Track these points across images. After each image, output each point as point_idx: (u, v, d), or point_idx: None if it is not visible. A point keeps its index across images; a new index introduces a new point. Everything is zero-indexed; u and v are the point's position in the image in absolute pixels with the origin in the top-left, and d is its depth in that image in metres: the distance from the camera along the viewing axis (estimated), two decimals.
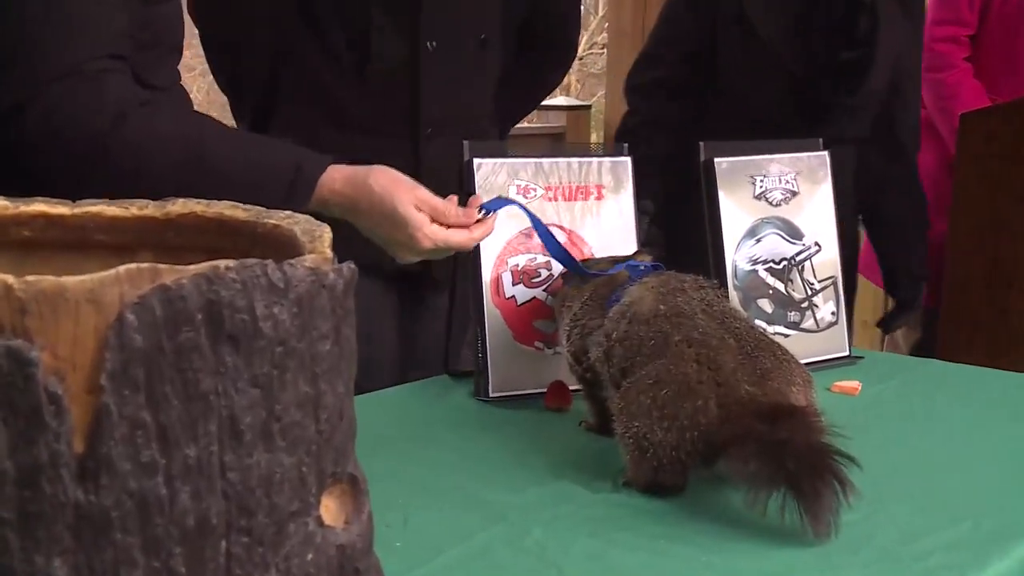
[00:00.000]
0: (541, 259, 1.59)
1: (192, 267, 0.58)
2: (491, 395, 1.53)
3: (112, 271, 0.56)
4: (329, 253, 0.68)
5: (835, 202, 2.23)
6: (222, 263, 0.59)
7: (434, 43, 1.67)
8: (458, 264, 1.65)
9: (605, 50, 6.81)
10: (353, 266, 0.66)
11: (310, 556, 0.64)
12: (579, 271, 1.46)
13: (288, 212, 0.74)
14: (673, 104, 2.29)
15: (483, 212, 1.43)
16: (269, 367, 0.60)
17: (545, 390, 1.53)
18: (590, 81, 10.71)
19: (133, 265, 0.57)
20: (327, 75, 1.67)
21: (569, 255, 1.48)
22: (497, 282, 1.56)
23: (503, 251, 1.57)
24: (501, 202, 1.49)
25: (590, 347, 1.36)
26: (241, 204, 0.77)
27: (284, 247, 0.72)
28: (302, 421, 0.63)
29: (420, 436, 1.40)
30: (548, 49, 2.03)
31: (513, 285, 1.57)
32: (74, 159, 1.26)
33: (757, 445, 1.11)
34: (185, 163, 1.29)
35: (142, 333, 0.56)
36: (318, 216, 0.75)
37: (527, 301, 1.58)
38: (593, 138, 5.31)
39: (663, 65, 2.32)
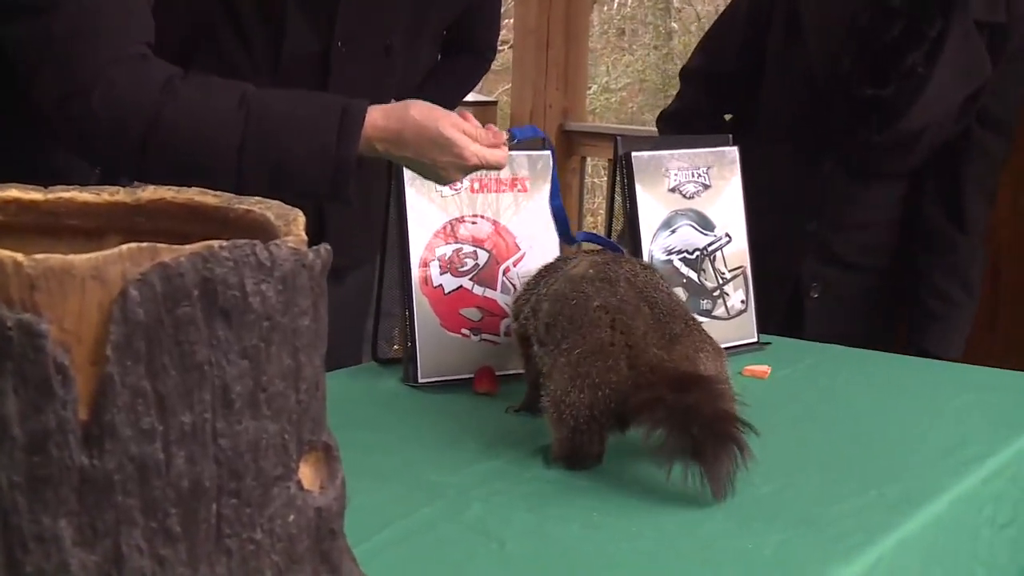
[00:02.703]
0: (468, 249, 1.64)
1: (188, 246, 0.62)
2: (420, 381, 1.58)
3: (115, 250, 0.60)
4: (304, 236, 0.72)
5: (858, 240, 2.18)
6: (216, 243, 0.63)
7: (343, 44, 1.71)
8: (384, 254, 1.69)
9: (507, 47, 6.88)
10: (328, 247, 0.71)
11: (292, 517, 0.68)
12: (568, 239, 1.51)
13: (259, 198, 0.79)
14: (716, 96, 2.30)
15: (512, 138, 1.51)
16: (257, 340, 0.65)
17: (472, 375, 1.59)
18: (491, 77, 10.77)
19: (134, 244, 0.60)
20: (240, 64, 1.69)
21: (565, 215, 1.54)
22: (425, 271, 1.61)
23: (431, 241, 1.62)
24: (528, 131, 1.58)
25: (528, 304, 1.44)
26: (211, 191, 0.80)
27: (256, 232, 0.76)
28: (284, 391, 0.67)
29: (355, 420, 1.44)
30: (471, 51, 2.08)
31: (440, 274, 1.62)
32: (132, 133, 1.34)
33: (666, 411, 1.19)
34: (235, 122, 1.36)
35: (144, 307, 0.60)
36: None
37: (454, 289, 1.63)
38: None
39: (714, 55, 2.32)
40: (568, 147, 4.72)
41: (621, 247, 1.52)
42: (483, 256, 1.65)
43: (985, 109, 2.13)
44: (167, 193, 0.81)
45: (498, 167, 1.49)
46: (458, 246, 1.64)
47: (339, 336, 1.82)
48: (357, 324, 2.03)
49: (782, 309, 2.19)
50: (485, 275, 1.65)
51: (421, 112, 1.42)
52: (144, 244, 0.61)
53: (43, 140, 1.43)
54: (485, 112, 4.84)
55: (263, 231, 0.75)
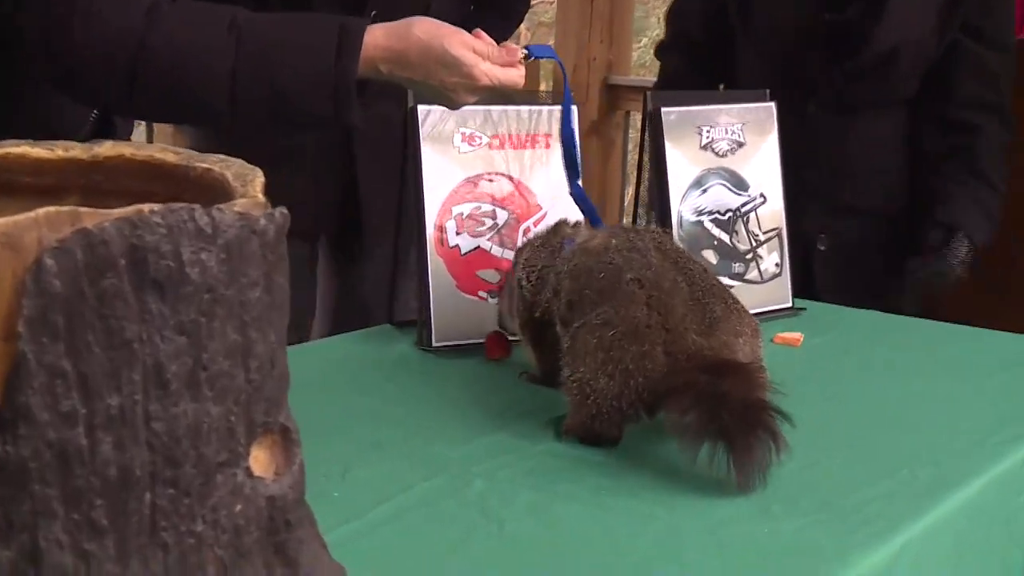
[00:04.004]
0: (486, 207, 1.57)
1: (115, 211, 0.56)
2: (434, 345, 1.52)
3: (30, 214, 0.54)
4: (261, 198, 0.66)
5: (859, 181, 2.09)
6: (147, 207, 0.57)
7: (375, 12, 1.63)
8: (401, 213, 1.63)
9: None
10: (285, 211, 0.65)
11: (239, 507, 0.62)
12: (575, 171, 1.43)
13: (221, 156, 0.72)
14: (696, 62, 2.25)
15: (527, 55, 1.40)
16: (196, 314, 0.59)
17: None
18: (540, 30, 10.63)
19: (52, 208, 0.54)
20: None
21: (575, 145, 1.45)
22: (441, 231, 1.54)
23: (447, 199, 1.55)
24: (546, 50, 1.46)
25: (544, 289, 1.33)
26: (171, 148, 0.74)
27: (215, 192, 0.70)
28: (230, 370, 0.61)
29: (362, 387, 1.39)
30: (502, 5, 1.99)
31: (457, 234, 1.55)
32: (118, 63, 1.27)
33: (696, 396, 1.11)
34: (226, 46, 1.28)
35: (61, 279, 0.54)
36: (254, 160, 0.73)
37: (471, 250, 1.56)
38: (543, 87, 5.27)
39: (682, 27, 2.29)
40: (612, 101, 4.61)
41: (601, 221, 1.42)
42: (502, 216, 1.58)
43: (974, 26, 2.05)
44: (126, 149, 0.75)
45: (513, 87, 1.37)
46: (476, 205, 1.57)
47: (373, 297, 1.78)
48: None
49: (793, 267, 2.11)
50: (504, 235, 1.58)
51: (426, 30, 1.32)
52: (64, 208, 0.55)
53: (33, 89, 1.37)
54: (528, 66, 4.71)
55: (223, 191, 0.69)
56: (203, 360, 0.59)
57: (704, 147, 1.73)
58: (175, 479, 0.59)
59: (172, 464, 0.59)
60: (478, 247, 1.57)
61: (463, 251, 1.56)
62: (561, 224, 1.40)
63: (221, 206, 0.60)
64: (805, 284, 2.02)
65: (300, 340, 1.75)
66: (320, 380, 1.40)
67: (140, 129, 4.38)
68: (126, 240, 0.56)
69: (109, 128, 1.47)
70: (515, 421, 1.27)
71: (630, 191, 4.95)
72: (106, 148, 0.75)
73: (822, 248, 2.12)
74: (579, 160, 1.46)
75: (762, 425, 1.08)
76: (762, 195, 1.79)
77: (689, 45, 2.28)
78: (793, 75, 2.08)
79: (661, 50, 2.36)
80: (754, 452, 1.07)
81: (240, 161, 0.71)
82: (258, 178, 0.68)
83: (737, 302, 1.25)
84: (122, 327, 0.56)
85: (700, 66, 2.26)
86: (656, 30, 11.30)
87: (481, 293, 1.56)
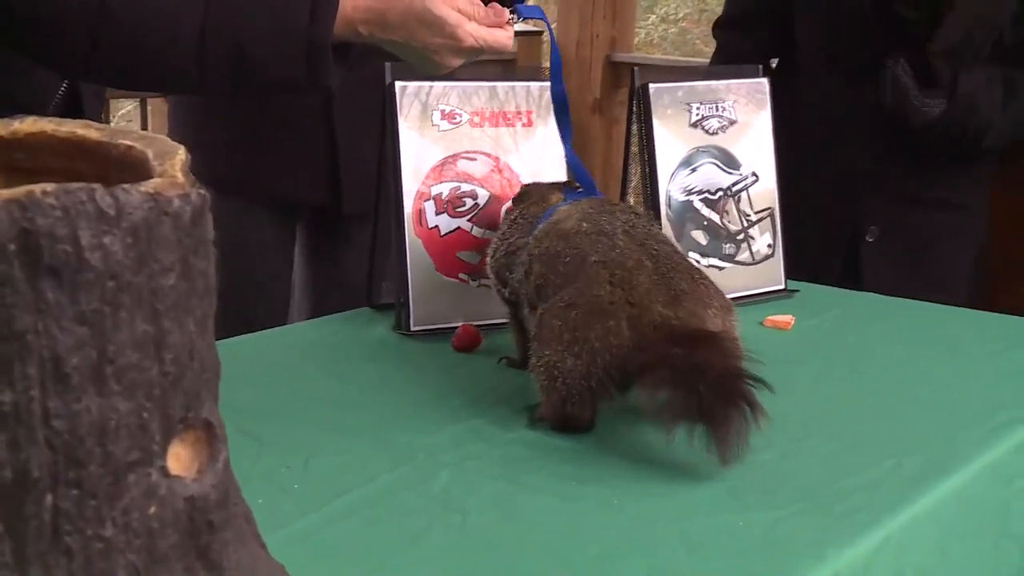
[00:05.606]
0: (466, 187, 1.53)
1: (3, 191, 0.52)
2: (412, 329, 1.48)
3: None
4: (180, 177, 0.61)
5: (916, 169, 2.00)
6: (39, 187, 0.52)
7: None
8: (380, 193, 1.58)
9: None
10: (203, 192, 0.60)
11: (153, 509, 0.58)
12: (566, 127, 1.38)
13: (144, 132, 0.68)
14: (754, 38, 2.19)
15: (516, 16, 1.35)
16: (99, 303, 0.54)
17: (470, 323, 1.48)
18: (551, 8, 10.54)
19: None
20: None
21: (566, 100, 1.39)
22: (419, 211, 1.50)
23: (426, 178, 1.50)
24: (534, 11, 1.40)
25: (515, 267, 1.31)
26: (95, 123, 0.70)
27: (138, 170, 0.65)
28: (141, 363, 0.57)
29: (335, 372, 1.35)
30: None
31: (436, 214, 1.51)
32: (81, 28, 1.21)
33: (670, 370, 1.07)
34: (192, 7, 1.22)
35: None
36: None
37: (451, 231, 1.52)
38: (545, 65, 5.22)
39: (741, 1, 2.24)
40: (615, 79, 4.56)
41: (600, 192, 1.37)
42: (483, 195, 1.53)
43: None
44: (47, 125, 0.70)
45: (501, 49, 1.33)
46: (456, 184, 1.52)
47: (354, 280, 1.74)
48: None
49: (840, 257, 2.06)
50: (485, 216, 1.53)
51: None
52: None
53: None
54: (530, 43, 4.66)
55: (144, 170, 0.65)
56: (109, 352, 0.55)
57: (694, 125, 1.68)
58: (79, 480, 0.55)
59: (76, 464, 0.55)
60: (458, 228, 1.52)
61: (443, 232, 1.51)
62: (551, 191, 1.36)
63: (127, 186, 0.56)
64: (846, 275, 1.98)
65: (280, 324, 1.72)
66: (292, 365, 1.37)
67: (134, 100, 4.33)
68: (16, 223, 0.51)
69: (77, 103, 1.42)
70: (490, 408, 1.23)
71: (636, 169, 4.92)
72: (27, 124, 0.70)
73: (870, 240, 2.05)
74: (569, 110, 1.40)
75: (740, 394, 1.04)
76: (754, 174, 1.74)
77: (749, 17, 2.22)
78: (856, 57, 2.00)
79: (720, 25, 2.31)
80: (733, 423, 1.03)
81: (162, 138, 0.67)
82: (178, 155, 0.63)
83: (706, 278, 1.21)
84: (13, 317, 0.52)
85: (760, 42, 2.19)
86: (664, 7, 11.20)
87: (462, 275, 1.52)
